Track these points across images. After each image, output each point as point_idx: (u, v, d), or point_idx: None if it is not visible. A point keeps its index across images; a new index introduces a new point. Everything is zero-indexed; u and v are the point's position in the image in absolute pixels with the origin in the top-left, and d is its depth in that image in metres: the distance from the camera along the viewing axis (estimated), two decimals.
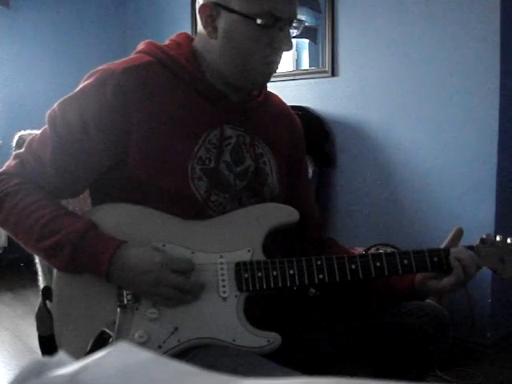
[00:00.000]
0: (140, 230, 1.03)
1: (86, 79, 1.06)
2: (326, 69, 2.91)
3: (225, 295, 1.02)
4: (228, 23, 1.03)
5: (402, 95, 2.63)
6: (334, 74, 2.89)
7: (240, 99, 1.13)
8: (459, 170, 2.44)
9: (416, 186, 2.61)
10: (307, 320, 1.20)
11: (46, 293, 1.06)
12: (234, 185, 1.10)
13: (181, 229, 1.04)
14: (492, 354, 2.35)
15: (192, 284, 0.99)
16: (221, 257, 1.03)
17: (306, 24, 3.01)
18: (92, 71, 1.07)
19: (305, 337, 1.17)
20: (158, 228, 1.04)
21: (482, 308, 2.38)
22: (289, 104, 1.32)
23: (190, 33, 1.17)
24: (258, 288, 1.02)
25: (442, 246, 1.10)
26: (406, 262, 1.07)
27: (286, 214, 1.09)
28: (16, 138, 1.26)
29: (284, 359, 0.97)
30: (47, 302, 1.06)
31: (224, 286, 1.02)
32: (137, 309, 1.00)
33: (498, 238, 1.12)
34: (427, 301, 1.18)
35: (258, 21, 1.01)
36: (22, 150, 1.08)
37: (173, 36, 1.15)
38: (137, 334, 0.99)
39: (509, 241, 1.11)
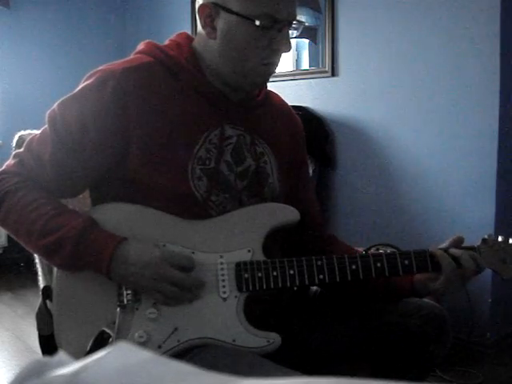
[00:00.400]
0: (140, 230, 1.03)
1: (86, 79, 1.06)
2: (326, 69, 2.91)
3: (225, 295, 1.02)
4: (227, 24, 1.03)
5: (402, 95, 2.63)
6: (334, 74, 2.89)
7: (240, 99, 1.13)
8: (459, 170, 2.44)
9: (416, 186, 2.61)
10: (307, 320, 1.20)
11: (46, 292, 1.07)
12: (235, 185, 1.10)
13: (181, 229, 1.04)
14: (492, 354, 2.35)
15: (192, 281, 0.99)
16: (221, 257, 1.03)
17: (306, 24, 3.01)
18: (92, 71, 1.07)
19: (305, 337, 1.17)
20: (157, 228, 1.04)
21: (481, 308, 2.38)
22: (289, 104, 1.32)
23: (189, 33, 1.17)
24: (258, 288, 1.02)
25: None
26: (406, 262, 1.07)
27: (287, 214, 1.09)
28: (16, 137, 1.26)
29: (284, 359, 0.97)
30: (47, 301, 1.06)
31: (224, 287, 1.02)
32: (137, 309, 1.00)
33: (499, 239, 1.11)
34: (427, 301, 1.18)
35: (257, 22, 1.01)
36: (22, 150, 1.08)
37: (173, 36, 1.15)
38: (137, 334, 0.98)
39: (511, 241, 1.11)
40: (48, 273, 1.17)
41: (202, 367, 0.32)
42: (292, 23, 1.06)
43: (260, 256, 1.04)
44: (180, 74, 1.08)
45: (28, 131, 1.26)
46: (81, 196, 1.18)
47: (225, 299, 1.02)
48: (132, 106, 1.02)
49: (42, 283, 1.21)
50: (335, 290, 1.19)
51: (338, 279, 1.05)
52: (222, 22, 1.04)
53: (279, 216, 1.08)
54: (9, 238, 3.35)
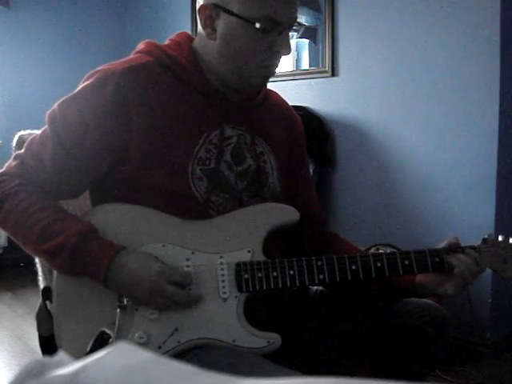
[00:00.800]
0: (140, 231, 1.03)
1: (86, 79, 1.06)
2: (326, 69, 2.91)
3: (225, 296, 1.02)
4: (227, 25, 1.03)
5: (402, 95, 2.63)
6: (334, 73, 2.89)
7: (240, 98, 1.13)
8: (459, 169, 2.44)
9: (416, 186, 2.61)
10: (307, 320, 1.20)
11: (46, 293, 1.06)
12: (235, 185, 1.10)
13: (181, 229, 1.04)
14: (492, 354, 2.35)
15: (187, 298, 0.99)
16: (221, 257, 1.03)
17: (306, 24, 3.01)
18: (92, 71, 1.07)
19: (305, 337, 1.17)
20: (157, 228, 1.03)
21: (481, 308, 2.38)
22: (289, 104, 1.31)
23: (190, 33, 1.17)
24: (258, 288, 1.02)
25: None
26: (406, 262, 1.06)
27: (287, 214, 1.09)
28: (16, 137, 1.26)
29: (284, 359, 0.97)
30: (47, 302, 1.06)
31: (224, 287, 1.02)
32: (137, 309, 1.00)
33: (500, 238, 1.11)
34: (427, 301, 1.18)
35: (257, 25, 1.00)
36: (23, 151, 1.08)
37: (173, 36, 1.15)
38: (137, 335, 0.98)
39: (511, 241, 1.11)
40: (48, 273, 1.17)
41: (202, 367, 0.32)
42: (293, 26, 1.06)
43: (260, 256, 1.04)
44: (180, 74, 1.08)
45: (28, 131, 1.26)
46: (81, 196, 1.18)
47: (225, 300, 1.02)
48: (132, 105, 1.02)
49: (42, 283, 1.21)
50: (337, 288, 1.19)
51: (338, 279, 1.05)
52: (223, 23, 1.03)
53: (279, 216, 1.08)
54: (9, 239, 3.35)
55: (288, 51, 1.05)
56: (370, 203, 2.79)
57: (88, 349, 0.96)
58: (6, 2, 3.69)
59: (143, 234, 1.03)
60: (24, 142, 1.11)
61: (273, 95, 1.24)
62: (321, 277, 1.04)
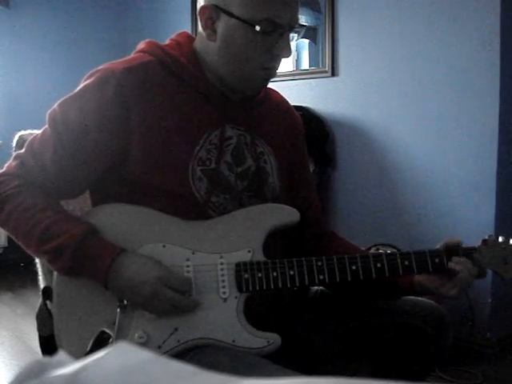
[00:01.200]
0: (140, 231, 1.03)
1: (87, 79, 1.06)
2: (326, 69, 2.91)
3: (225, 296, 1.02)
4: (227, 27, 1.03)
5: (401, 95, 2.63)
6: (333, 73, 2.89)
7: (240, 98, 1.13)
8: (459, 169, 2.44)
9: (416, 186, 2.61)
10: (307, 320, 1.20)
11: (47, 293, 1.06)
12: (235, 185, 1.10)
13: (181, 229, 1.04)
14: (492, 354, 2.35)
15: (186, 303, 0.99)
16: (221, 257, 1.03)
17: (306, 24, 3.01)
18: (92, 71, 1.07)
19: (305, 337, 1.17)
20: (157, 228, 1.03)
21: (482, 308, 2.38)
22: None
23: (190, 33, 1.17)
24: (258, 289, 1.02)
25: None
26: (406, 262, 1.06)
27: (287, 214, 1.09)
28: (16, 137, 1.26)
29: (284, 359, 0.97)
30: (47, 302, 1.06)
31: (224, 287, 1.02)
32: (137, 309, 1.00)
33: (500, 239, 1.11)
34: (427, 300, 1.18)
35: (257, 28, 1.00)
36: (23, 151, 1.08)
37: (173, 35, 1.15)
38: (136, 335, 0.98)
39: (511, 242, 1.11)
40: (48, 273, 1.17)
41: (202, 367, 0.32)
42: (293, 28, 1.05)
43: (260, 256, 1.04)
44: (181, 74, 1.08)
45: (28, 131, 1.26)
46: (81, 196, 1.18)
47: (225, 300, 1.02)
48: (133, 105, 1.02)
49: (42, 283, 1.21)
50: (337, 288, 1.19)
51: (338, 280, 1.05)
52: (223, 24, 1.03)
53: (279, 216, 1.08)
54: (9, 238, 3.35)
55: (288, 54, 1.05)
56: (370, 203, 2.79)
57: (88, 348, 0.96)
58: (6, 2, 3.69)
59: (143, 234, 1.03)
60: (24, 141, 1.11)
61: (273, 94, 1.24)
62: (321, 277, 1.04)
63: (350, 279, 1.05)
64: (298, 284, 1.04)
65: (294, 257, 1.06)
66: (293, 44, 1.08)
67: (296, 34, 3.04)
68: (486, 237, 1.11)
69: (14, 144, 1.25)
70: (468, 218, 2.38)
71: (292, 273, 1.03)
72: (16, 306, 3.05)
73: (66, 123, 1.04)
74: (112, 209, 1.06)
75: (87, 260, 0.98)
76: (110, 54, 3.57)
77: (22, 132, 1.27)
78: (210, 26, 1.05)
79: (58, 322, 1.02)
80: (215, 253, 1.03)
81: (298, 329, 1.18)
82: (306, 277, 1.04)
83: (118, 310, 0.99)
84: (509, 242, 1.10)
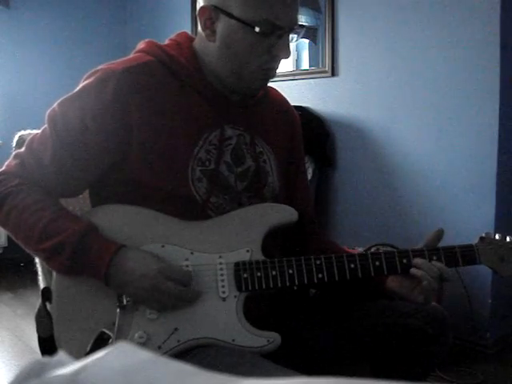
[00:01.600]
0: (139, 231, 1.03)
1: (86, 78, 1.06)
2: (326, 69, 2.91)
3: (224, 295, 1.02)
4: (227, 28, 1.03)
5: (402, 95, 2.63)
6: (333, 73, 2.89)
7: (239, 98, 1.13)
8: (459, 169, 2.44)
9: (416, 186, 2.61)
10: (307, 320, 1.20)
11: (46, 294, 1.06)
12: (235, 186, 1.10)
13: (180, 229, 1.04)
14: (492, 354, 2.35)
15: (188, 294, 0.99)
16: (220, 257, 1.03)
17: (306, 24, 3.01)
18: (92, 70, 1.07)
19: (305, 337, 1.17)
20: (157, 229, 1.03)
21: (481, 308, 2.38)
22: None
23: (190, 32, 1.17)
24: (257, 288, 1.02)
25: (421, 247, 1.09)
26: (405, 260, 1.07)
27: (285, 213, 1.09)
28: (16, 137, 1.26)
29: (284, 359, 0.97)
30: (47, 303, 1.06)
31: (223, 287, 1.02)
32: (136, 309, 1.00)
33: (497, 237, 1.11)
34: None
35: (257, 29, 1.00)
36: (22, 150, 1.08)
37: (173, 35, 1.15)
38: (136, 335, 0.98)
39: (508, 239, 1.11)
40: (48, 273, 1.17)
41: (202, 367, 0.32)
42: (293, 29, 1.05)
43: (259, 256, 1.04)
44: (180, 74, 1.08)
45: (28, 131, 1.26)
46: (81, 196, 1.18)
47: (224, 299, 1.02)
48: (132, 105, 1.02)
49: (41, 284, 1.21)
50: (332, 287, 1.20)
51: (336, 278, 1.05)
52: (222, 25, 1.03)
53: (278, 216, 1.08)
54: (9, 238, 3.35)
55: (288, 55, 1.05)
56: (369, 203, 2.79)
57: (88, 349, 0.96)
58: (6, 2, 3.69)
59: (142, 234, 1.03)
60: (24, 141, 1.11)
61: (273, 92, 1.24)
62: (320, 276, 1.04)
63: (348, 278, 1.05)
64: (297, 283, 1.04)
65: (292, 255, 1.06)
66: (292, 45, 1.07)
67: (296, 35, 3.04)
68: (483, 234, 1.11)
69: (13, 144, 1.25)
70: (468, 217, 2.38)
71: (291, 272, 1.03)
72: (16, 306, 3.05)
73: (66, 123, 1.04)
74: (111, 209, 1.06)
75: (87, 257, 0.98)
76: (110, 53, 3.57)
77: (22, 132, 1.27)
78: (210, 27, 1.04)
79: (58, 323, 1.02)
80: (214, 253, 1.03)
81: (298, 329, 1.18)
82: (305, 275, 1.04)
83: (118, 310, 0.99)
84: (506, 239, 1.11)
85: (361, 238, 2.71)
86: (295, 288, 1.21)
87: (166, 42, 1.13)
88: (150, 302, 0.99)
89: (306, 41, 3.11)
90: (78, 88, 1.06)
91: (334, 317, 1.19)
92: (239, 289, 1.02)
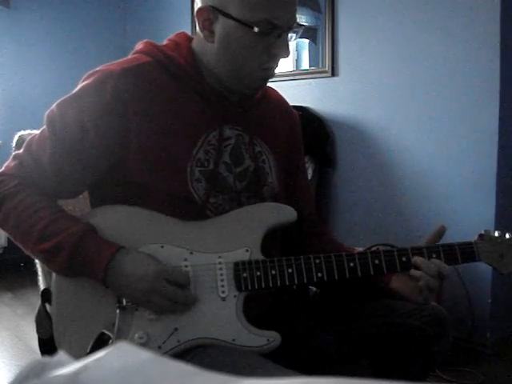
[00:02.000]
0: (138, 231, 1.03)
1: (85, 80, 1.06)
2: (326, 69, 2.91)
3: (224, 295, 1.02)
4: (225, 29, 1.02)
5: (402, 95, 2.63)
6: (334, 73, 2.89)
7: (238, 98, 1.13)
8: (459, 169, 2.44)
9: (416, 186, 2.61)
10: (307, 320, 1.20)
11: (46, 295, 1.06)
12: (234, 186, 1.10)
13: (179, 229, 1.04)
14: (492, 354, 2.35)
15: (186, 297, 0.99)
16: (219, 257, 1.03)
17: (306, 24, 3.01)
18: (90, 72, 1.06)
19: (305, 336, 1.17)
20: (156, 229, 1.03)
21: (481, 308, 2.38)
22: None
23: (189, 32, 1.17)
24: (256, 287, 1.02)
25: (422, 244, 1.10)
26: (404, 259, 1.07)
27: (284, 213, 1.09)
28: (16, 137, 1.26)
29: (284, 359, 0.97)
30: (46, 304, 1.06)
31: (223, 286, 1.02)
32: (136, 310, 1.00)
33: (496, 234, 1.11)
34: None
35: (256, 29, 1.00)
36: (21, 151, 1.08)
37: (171, 36, 1.14)
38: (136, 335, 0.98)
39: (507, 236, 1.11)
40: (48, 274, 1.17)
41: (202, 367, 0.32)
42: (291, 28, 1.05)
43: (258, 255, 1.04)
44: (178, 75, 1.08)
45: (28, 131, 1.26)
46: (81, 196, 1.18)
47: (224, 299, 1.02)
48: (131, 106, 1.02)
49: (41, 284, 1.21)
50: (332, 290, 1.20)
51: (336, 277, 1.05)
52: (221, 26, 1.03)
53: (277, 215, 1.08)
54: (9, 239, 3.35)
55: (287, 54, 1.05)
56: (370, 203, 2.79)
57: (88, 350, 0.96)
58: (6, 2, 3.69)
59: (142, 235, 1.03)
60: (24, 141, 1.11)
61: (271, 92, 1.24)
62: (319, 275, 1.04)
63: (348, 276, 1.05)
64: (296, 282, 1.04)
65: (291, 255, 1.06)
66: (291, 44, 1.07)
67: (294, 34, 3.04)
68: (483, 231, 1.11)
69: (13, 144, 1.25)
70: (468, 217, 2.38)
71: (290, 271, 1.04)
72: (16, 306, 3.05)
73: (64, 124, 1.03)
74: (111, 210, 1.06)
75: (85, 258, 0.98)
76: (110, 53, 3.57)
77: (22, 132, 1.27)
78: (208, 28, 1.04)
79: (58, 324, 1.02)
80: (213, 252, 1.03)
81: (298, 328, 1.18)
82: (305, 275, 1.04)
83: (118, 310, 0.99)
84: (505, 236, 1.11)
85: (360, 237, 2.71)
86: (295, 287, 1.21)
87: (165, 42, 1.13)
88: (148, 304, 0.99)
89: (306, 41, 3.11)
90: (76, 89, 1.06)
91: (334, 316, 1.19)
92: (239, 288, 1.02)
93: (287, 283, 1.04)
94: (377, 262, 1.06)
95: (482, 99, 2.33)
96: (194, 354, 0.98)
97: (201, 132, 1.08)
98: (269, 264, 1.03)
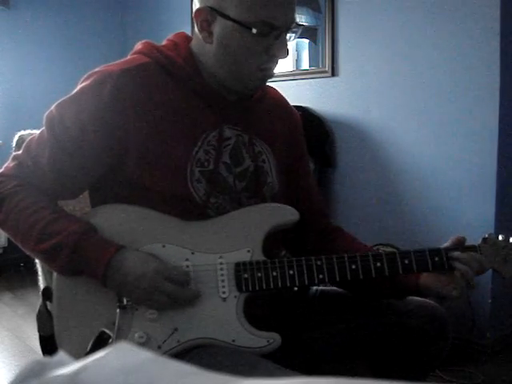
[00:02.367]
0: (139, 231, 1.03)
1: (84, 81, 1.06)
2: (326, 69, 2.91)
3: (224, 296, 1.02)
4: (223, 30, 1.02)
5: (401, 95, 2.63)
6: (334, 73, 2.89)
7: (237, 98, 1.13)
8: (459, 169, 2.44)
9: (416, 186, 2.61)
10: (307, 320, 1.20)
11: (47, 294, 1.06)
12: (234, 186, 1.10)
13: (180, 229, 1.04)
14: (492, 354, 2.35)
15: (186, 295, 0.99)
16: (220, 257, 1.03)
17: (306, 24, 3.01)
18: (89, 73, 1.06)
19: (305, 337, 1.17)
20: (157, 229, 1.03)
21: (482, 308, 2.38)
22: None
23: (189, 32, 1.17)
24: (257, 288, 1.02)
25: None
26: (406, 261, 1.07)
27: (286, 213, 1.09)
28: (16, 138, 1.26)
29: (284, 359, 0.97)
30: (47, 302, 1.06)
31: (224, 287, 1.02)
32: (136, 309, 1.00)
33: (500, 238, 1.11)
34: (427, 301, 1.18)
35: (254, 31, 0.99)
36: (21, 152, 1.08)
37: (170, 36, 1.14)
38: (136, 335, 0.99)
39: (511, 240, 1.11)
40: (48, 273, 1.17)
41: (202, 367, 0.32)
42: (290, 29, 1.04)
43: (260, 256, 1.04)
44: (177, 75, 1.07)
45: (28, 131, 1.26)
46: (81, 196, 1.18)
47: (224, 299, 1.02)
48: (130, 107, 1.02)
49: (42, 284, 1.21)
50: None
51: (337, 279, 1.05)
52: (219, 27, 1.03)
53: (278, 216, 1.08)
54: (9, 239, 3.35)
55: (285, 54, 1.05)
56: (370, 203, 2.79)
57: (88, 349, 0.96)
58: (6, 2, 3.69)
59: (143, 234, 1.03)
60: (24, 141, 1.11)
61: (271, 91, 1.24)
62: (320, 276, 1.04)
63: (349, 278, 1.05)
64: (297, 283, 1.04)
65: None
66: (290, 44, 1.07)
67: (293, 34, 3.04)
68: (486, 235, 1.11)
69: (13, 144, 1.25)
70: (468, 217, 2.38)
71: (291, 272, 1.03)
72: (16, 306, 3.05)
73: (63, 125, 1.03)
74: (111, 209, 1.06)
75: (86, 257, 0.98)
76: (110, 54, 3.58)
77: (22, 132, 1.27)
78: (206, 29, 1.04)
79: (58, 322, 1.02)
80: (215, 253, 1.03)
81: (298, 328, 1.18)
82: (306, 276, 1.04)
83: (118, 310, 0.99)
84: (509, 240, 1.10)
85: (361, 237, 2.70)
86: (295, 289, 1.21)
87: (164, 42, 1.13)
88: (148, 302, 0.99)
89: (306, 41, 3.11)
90: (75, 90, 1.06)
91: (334, 317, 1.19)
92: (239, 289, 1.02)
93: (288, 284, 1.03)
94: (378, 264, 1.06)
95: (482, 99, 2.33)
96: (193, 354, 0.98)
97: (200, 132, 1.07)
98: (270, 265, 1.03)
